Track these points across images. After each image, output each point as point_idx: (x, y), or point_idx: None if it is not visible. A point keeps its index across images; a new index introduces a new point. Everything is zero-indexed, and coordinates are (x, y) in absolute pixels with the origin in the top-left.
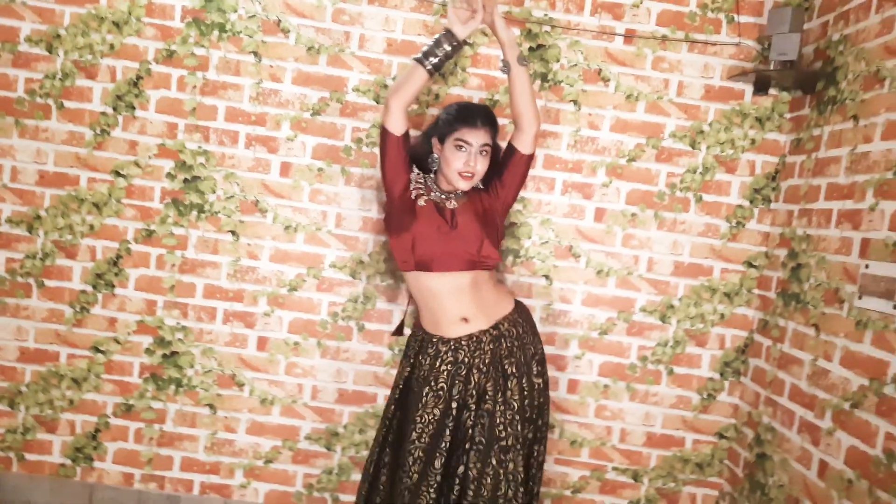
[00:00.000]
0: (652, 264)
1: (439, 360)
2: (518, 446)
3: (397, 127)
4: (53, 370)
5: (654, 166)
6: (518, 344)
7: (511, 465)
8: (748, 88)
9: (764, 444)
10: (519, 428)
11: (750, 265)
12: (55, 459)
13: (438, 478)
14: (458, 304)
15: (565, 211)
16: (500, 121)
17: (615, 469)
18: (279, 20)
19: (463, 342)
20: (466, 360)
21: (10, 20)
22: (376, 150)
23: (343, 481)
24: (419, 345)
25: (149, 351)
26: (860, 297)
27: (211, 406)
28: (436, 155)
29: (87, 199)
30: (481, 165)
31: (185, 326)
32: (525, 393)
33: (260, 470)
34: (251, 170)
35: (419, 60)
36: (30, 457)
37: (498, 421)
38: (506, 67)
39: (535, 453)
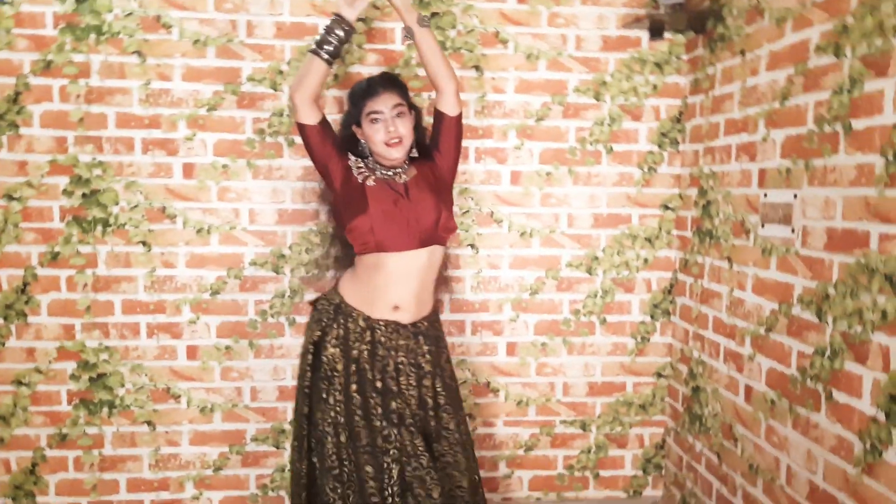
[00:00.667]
0: (572, 220)
1: (357, 337)
2: (442, 439)
3: (310, 117)
4: None
5: (562, 123)
6: (434, 346)
7: (449, 457)
8: (644, 35)
9: (697, 378)
10: (442, 423)
11: (666, 208)
12: None
13: (388, 458)
14: (401, 288)
15: (482, 178)
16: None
17: (563, 422)
18: (159, 15)
19: (381, 324)
20: (383, 340)
21: None
22: (280, 140)
23: None
24: (334, 311)
25: (74, 377)
26: (763, 226)
27: (149, 423)
28: (363, 141)
29: None
30: (403, 127)
31: (108, 346)
32: (440, 391)
33: (210, 479)
34: (152, 175)
35: (314, 51)
36: None
37: (422, 413)
38: (409, 33)
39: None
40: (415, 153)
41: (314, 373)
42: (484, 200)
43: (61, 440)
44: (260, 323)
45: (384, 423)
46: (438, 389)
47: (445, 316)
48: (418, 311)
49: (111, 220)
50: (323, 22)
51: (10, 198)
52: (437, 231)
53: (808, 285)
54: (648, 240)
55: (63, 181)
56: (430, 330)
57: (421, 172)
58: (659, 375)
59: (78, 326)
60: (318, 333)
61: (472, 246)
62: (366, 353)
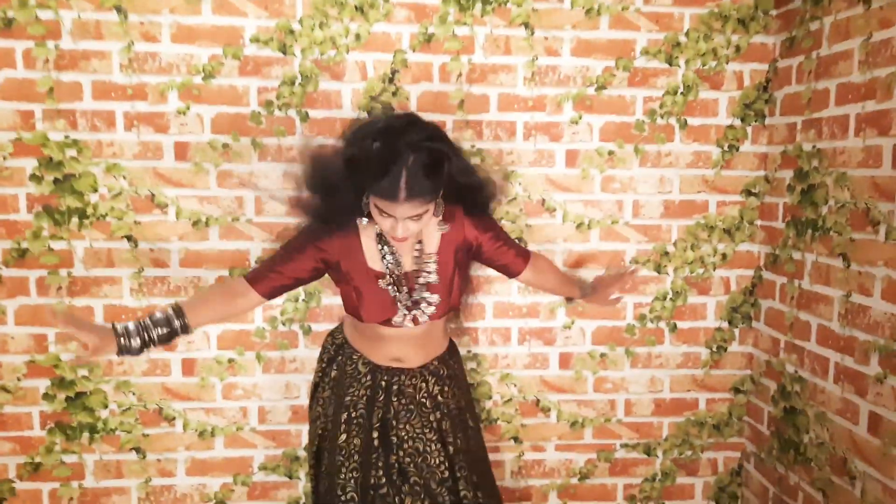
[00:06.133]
0: (638, 208)
1: (353, 381)
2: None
3: (255, 304)
4: None
5: (627, 92)
6: (447, 385)
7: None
8: None
9: (791, 397)
10: (451, 464)
11: (749, 193)
12: None
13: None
14: (400, 346)
15: (531, 158)
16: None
17: (624, 446)
18: None
19: (383, 369)
20: (383, 384)
21: None
22: (291, 113)
23: None
24: (335, 350)
25: (48, 396)
26: None
27: (138, 450)
28: (365, 199)
29: None
30: (414, 226)
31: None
32: (458, 433)
33: None
34: (138, 157)
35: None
36: None
37: (432, 460)
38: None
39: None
40: (443, 226)
41: (311, 411)
42: (533, 185)
43: (34, 470)
44: (269, 331)
45: (383, 480)
46: (445, 428)
47: (487, 322)
48: (425, 356)
49: (89, 211)
50: None
51: None
52: (438, 317)
53: None
54: (727, 231)
55: (30, 164)
56: (440, 369)
57: (443, 244)
58: (737, 391)
59: (51, 337)
60: (319, 374)
61: (520, 239)
62: (364, 399)
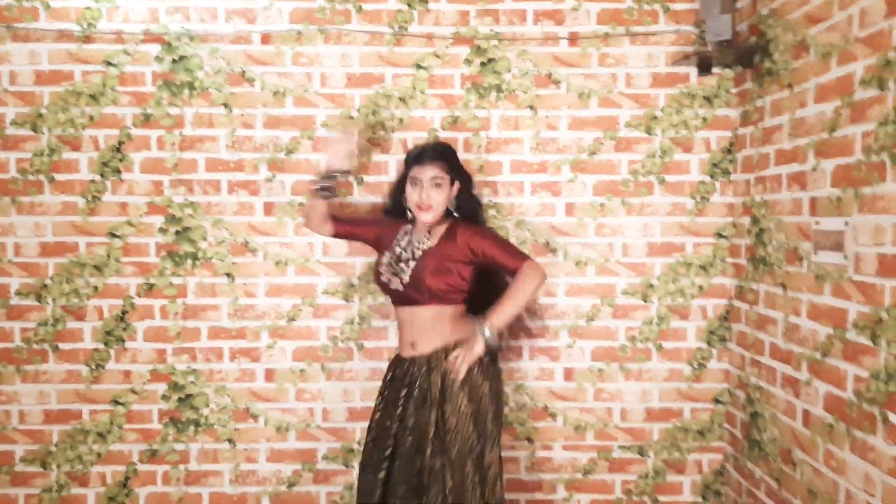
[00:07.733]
0: (627, 249)
1: (390, 373)
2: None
3: (327, 232)
4: (78, 427)
5: (614, 156)
6: (447, 375)
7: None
8: (692, 71)
9: (755, 403)
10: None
11: (720, 236)
12: None
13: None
14: (412, 331)
15: (537, 210)
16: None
17: (621, 447)
18: (243, 71)
19: (404, 361)
20: (398, 374)
21: None
22: (351, 179)
23: None
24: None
25: (165, 397)
26: (815, 253)
27: (230, 440)
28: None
29: (88, 263)
30: (436, 195)
31: (195, 369)
32: (438, 421)
33: (284, 495)
34: (237, 214)
35: (314, 192)
36: None
37: (413, 451)
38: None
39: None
40: (455, 215)
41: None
42: (539, 231)
43: (152, 456)
44: (331, 348)
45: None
46: (435, 419)
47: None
48: (433, 344)
49: (200, 255)
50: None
51: (112, 235)
52: (424, 295)
53: (862, 310)
54: (703, 267)
55: (159, 220)
56: (445, 362)
57: (446, 241)
58: (717, 401)
59: (169, 351)
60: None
61: None
62: (390, 387)
